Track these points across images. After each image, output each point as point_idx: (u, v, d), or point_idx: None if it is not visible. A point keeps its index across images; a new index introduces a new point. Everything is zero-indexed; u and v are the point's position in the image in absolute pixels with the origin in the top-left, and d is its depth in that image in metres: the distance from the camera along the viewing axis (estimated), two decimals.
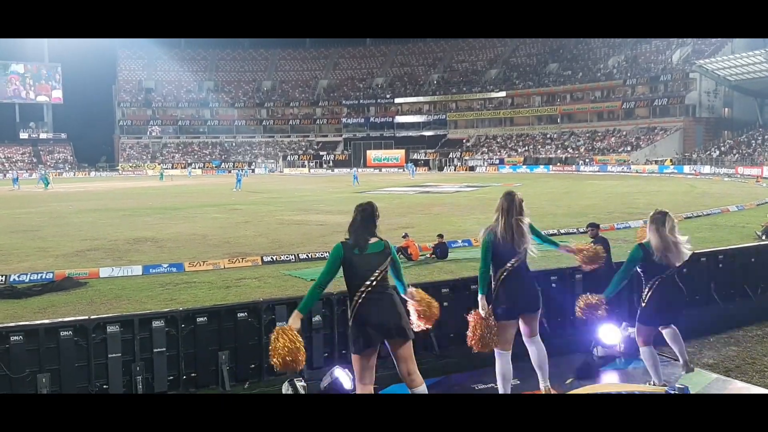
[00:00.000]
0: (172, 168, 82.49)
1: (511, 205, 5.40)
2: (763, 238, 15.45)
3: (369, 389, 4.78)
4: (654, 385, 6.00)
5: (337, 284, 12.61)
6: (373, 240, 4.84)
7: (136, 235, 19.80)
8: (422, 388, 4.86)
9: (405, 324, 4.82)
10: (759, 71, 59.40)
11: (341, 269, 4.87)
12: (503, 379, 5.55)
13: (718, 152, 62.06)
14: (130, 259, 15.07)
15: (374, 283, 4.75)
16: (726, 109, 71.48)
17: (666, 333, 6.06)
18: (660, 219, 5.65)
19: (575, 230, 17.85)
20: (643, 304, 5.89)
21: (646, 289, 5.83)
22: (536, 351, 5.58)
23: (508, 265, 5.39)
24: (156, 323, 6.87)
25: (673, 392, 3.21)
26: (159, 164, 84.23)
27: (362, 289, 4.75)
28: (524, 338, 5.60)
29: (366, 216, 4.87)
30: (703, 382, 6.10)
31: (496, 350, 5.52)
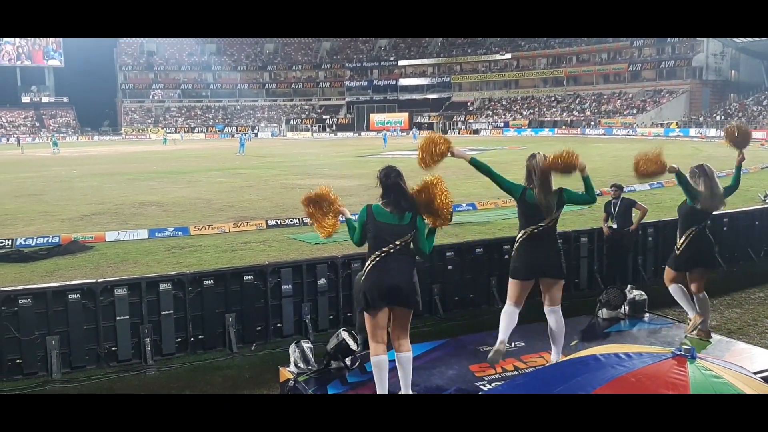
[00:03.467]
0: (176, 132, 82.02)
1: (531, 169, 5.43)
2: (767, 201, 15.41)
3: (381, 348, 4.83)
4: (689, 319, 6.34)
5: (341, 248, 12.60)
6: (405, 212, 4.83)
7: (141, 199, 19.85)
8: (408, 355, 4.89)
9: (409, 293, 4.81)
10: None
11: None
12: (506, 324, 5.46)
13: (723, 115, 61.51)
14: (135, 223, 15.13)
15: (392, 250, 4.75)
16: (732, 71, 70.65)
17: (698, 299, 6.30)
18: (701, 170, 6.18)
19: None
20: (678, 252, 6.31)
21: (683, 239, 6.25)
22: (553, 321, 5.49)
23: (530, 228, 5.38)
24: (163, 286, 6.94)
25: (679, 353, 3.23)
26: (162, 128, 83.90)
27: (380, 252, 4.76)
28: (544, 307, 5.54)
29: (402, 183, 4.95)
30: (706, 343, 6.15)
31: (507, 302, 5.50)
